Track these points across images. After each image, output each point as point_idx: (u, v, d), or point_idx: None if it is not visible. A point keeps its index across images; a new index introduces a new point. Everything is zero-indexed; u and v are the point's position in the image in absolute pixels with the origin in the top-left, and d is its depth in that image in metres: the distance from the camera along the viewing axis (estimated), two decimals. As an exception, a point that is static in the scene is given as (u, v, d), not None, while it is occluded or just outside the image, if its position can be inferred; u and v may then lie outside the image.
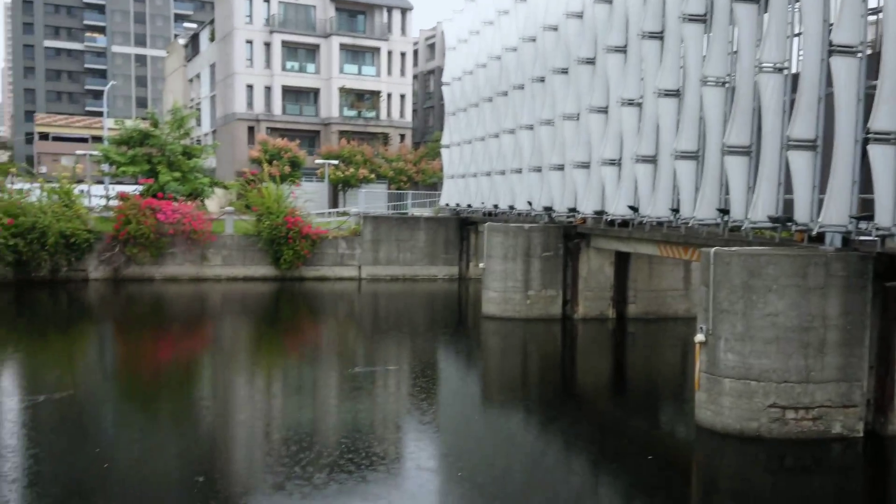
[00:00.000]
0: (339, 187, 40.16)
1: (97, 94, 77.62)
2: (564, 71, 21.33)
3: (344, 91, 43.13)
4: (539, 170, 23.02)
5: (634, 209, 17.87)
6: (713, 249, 11.82)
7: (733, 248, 12.02)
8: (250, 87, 42.33)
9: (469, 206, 29.73)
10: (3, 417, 11.75)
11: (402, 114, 45.47)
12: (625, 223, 18.73)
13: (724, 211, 14.66)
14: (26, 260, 25.19)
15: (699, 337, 11.71)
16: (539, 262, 21.47)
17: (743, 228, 14.08)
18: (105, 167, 35.08)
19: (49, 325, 20.73)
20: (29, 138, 76.93)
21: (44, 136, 70.82)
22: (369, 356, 17.88)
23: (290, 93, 43.33)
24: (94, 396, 13.88)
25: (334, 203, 39.74)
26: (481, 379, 16.34)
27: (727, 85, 14.96)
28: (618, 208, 18.43)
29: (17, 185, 28.36)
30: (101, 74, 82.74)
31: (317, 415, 12.73)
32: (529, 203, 23.41)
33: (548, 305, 21.62)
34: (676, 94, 16.56)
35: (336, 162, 37.87)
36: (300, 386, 15.17)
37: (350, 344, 19.88)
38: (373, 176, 39.76)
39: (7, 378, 15.14)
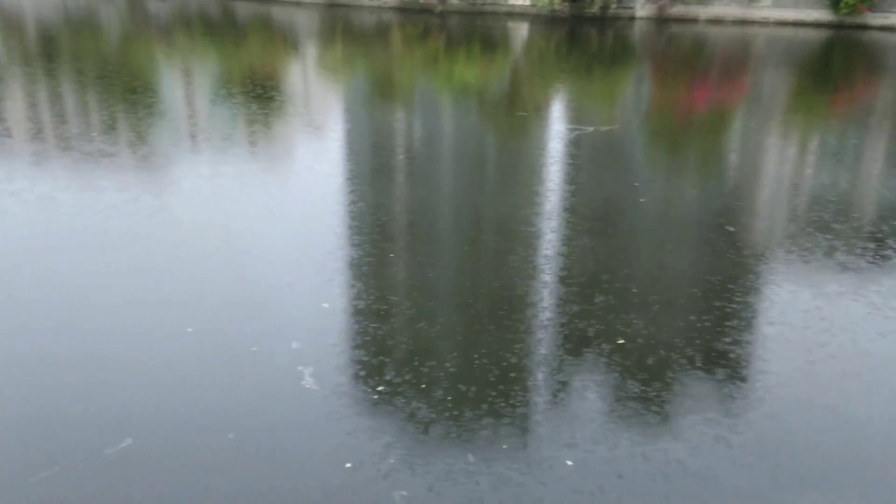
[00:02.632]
0: None
1: None
2: None
3: None
4: None
5: None
6: None
7: None
8: None
9: None
10: (553, 145, 13.19)
11: None
12: None
13: None
14: (581, -4, 26.66)
15: None
16: None
17: None
18: None
19: (595, 61, 22.01)
20: None
21: None
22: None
23: None
24: (634, 132, 14.56)
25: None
26: None
27: None
28: None
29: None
30: None
31: (857, 182, 11.31)
32: None
33: None
34: None
35: None
36: (839, 151, 13.55)
37: (915, 108, 16.78)
38: None
39: (558, 107, 16.80)
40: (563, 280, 7.99)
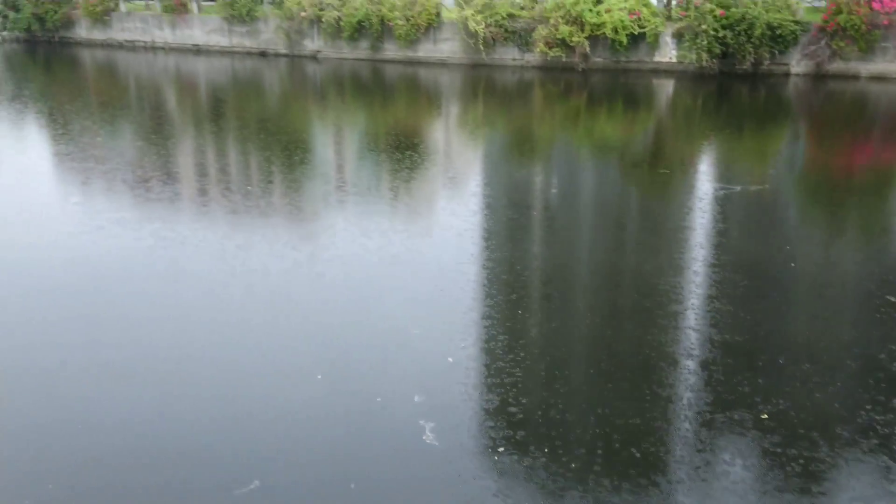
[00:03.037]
0: None
1: None
2: None
3: None
4: None
5: None
6: None
7: None
8: None
9: None
10: (697, 204, 12.68)
11: None
12: None
13: None
14: (731, 52, 25.78)
15: None
16: None
17: None
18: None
19: (745, 119, 21.15)
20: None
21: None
22: None
23: None
24: (786, 193, 13.76)
25: None
26: None
27: None
28: None
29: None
30: None
31: None
32: None
33: None
34: None
35: None
36: None
37: None
38: None
39: (704, 165, 16.20)
40: (703, 347, 7.55)
